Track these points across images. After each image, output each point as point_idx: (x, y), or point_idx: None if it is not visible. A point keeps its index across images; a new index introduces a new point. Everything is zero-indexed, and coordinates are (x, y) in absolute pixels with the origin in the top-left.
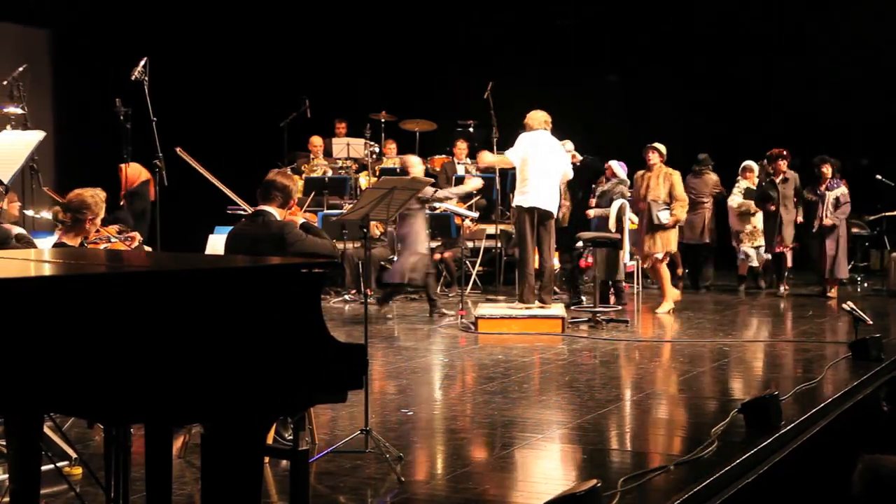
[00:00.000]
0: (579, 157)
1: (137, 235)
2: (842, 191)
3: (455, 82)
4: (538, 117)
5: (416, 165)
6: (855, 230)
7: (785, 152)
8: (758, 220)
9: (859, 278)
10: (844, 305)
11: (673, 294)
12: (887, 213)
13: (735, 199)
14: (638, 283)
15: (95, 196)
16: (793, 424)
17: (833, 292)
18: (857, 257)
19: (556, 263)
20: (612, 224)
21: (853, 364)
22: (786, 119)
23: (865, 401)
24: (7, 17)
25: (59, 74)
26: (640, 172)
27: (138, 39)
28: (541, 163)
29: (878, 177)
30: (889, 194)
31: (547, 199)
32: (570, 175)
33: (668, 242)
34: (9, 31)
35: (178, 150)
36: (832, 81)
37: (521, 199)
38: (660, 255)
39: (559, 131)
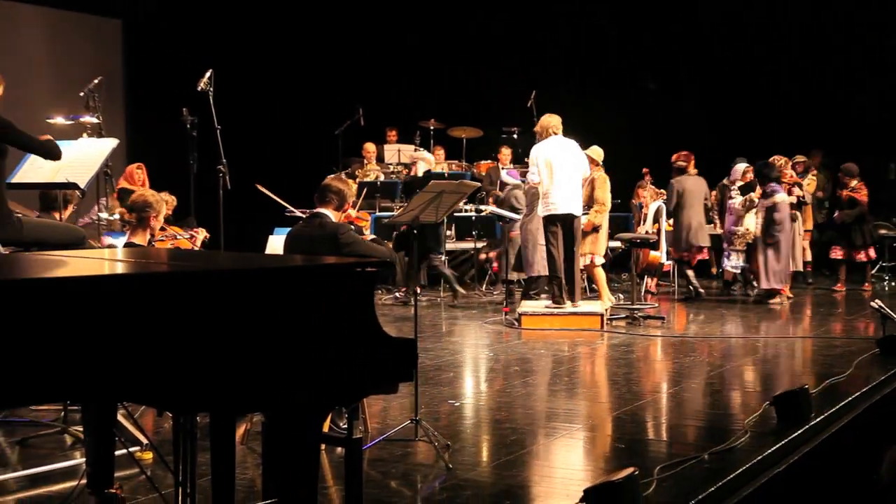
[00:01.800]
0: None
1: (202, 232)
2: (778, 198)
3: (500, 91)
4: (547, 124)
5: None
6: (882, 231)
7: (675, 157)
8: (748, 222)
9: (887, 277)
10: (873, 304)
11: (608, 297)
12: None
13: (737, 199)
14: (673, 282)
15: (156, 195)
16: (822, 417)
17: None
18: (884, 257)
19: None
20: (649, 225)
21: (881, 360)
22: (817, 120)
23: (893, 395)
24: (81, 7)
25: (131, 73)
26: None
27: (204, 51)
28: (557, 170)
29: None
30: None
31: (567, 203)
32: (588, 171)
33: (594, 246)
34: (84, 21)
35: (257, 185)
36: (872, 85)
37: (542, 209)
38: (599, 260)
39: (598, 138)
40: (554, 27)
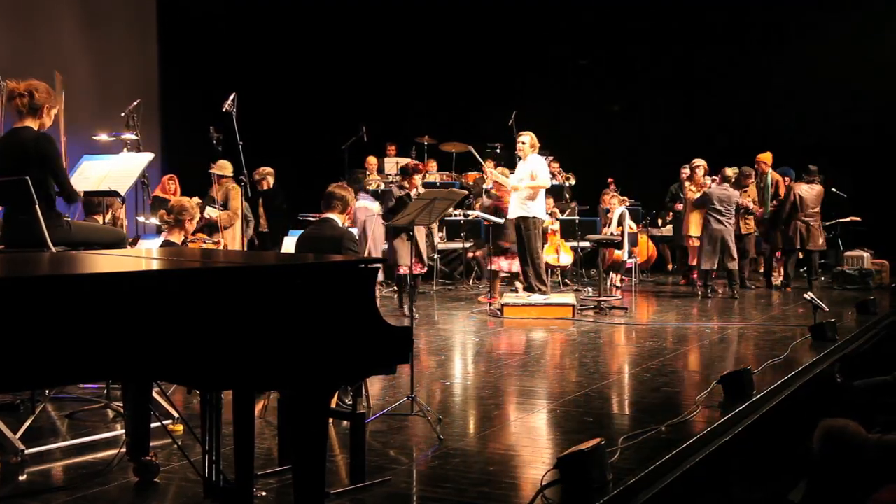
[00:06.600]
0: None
1: (223, 240)
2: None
3: (485, 111)
4: (537, 141)
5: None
6: None
7: (420, 166)
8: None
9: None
10: (805, 296)
11: None
12: (840, 220)
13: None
14: (634, 277)
15: (191, 201)
16: (763, 393)
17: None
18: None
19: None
20: (614, 227)
21: (812, 344)
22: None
23: (823, 374)
24: None
25: (166, 94)
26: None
27: (228, 77)
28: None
29: (833, 189)
30: (842, 203)
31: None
32: None
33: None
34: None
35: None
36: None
37: (537, 210)
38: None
39: (570, 151)
40: (534, 62)
